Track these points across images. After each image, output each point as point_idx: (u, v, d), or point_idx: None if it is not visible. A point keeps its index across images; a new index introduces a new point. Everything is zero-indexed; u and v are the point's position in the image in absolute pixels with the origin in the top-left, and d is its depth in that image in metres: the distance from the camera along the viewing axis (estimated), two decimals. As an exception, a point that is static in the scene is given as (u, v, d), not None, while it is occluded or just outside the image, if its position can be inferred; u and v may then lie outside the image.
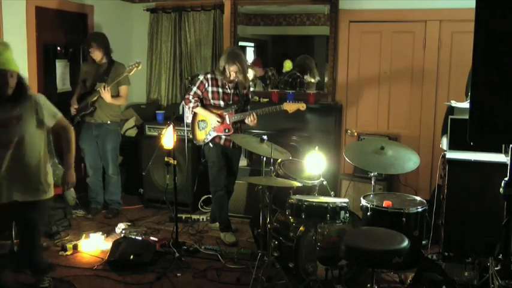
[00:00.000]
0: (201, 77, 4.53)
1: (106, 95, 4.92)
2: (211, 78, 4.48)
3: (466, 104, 4.04)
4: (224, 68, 4.39)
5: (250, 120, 4.46)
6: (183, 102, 4.61)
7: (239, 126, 4.63)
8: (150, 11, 6.31)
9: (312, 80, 5.97)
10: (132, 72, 4.97)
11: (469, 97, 3.46)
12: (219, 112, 4.51)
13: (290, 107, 4.49)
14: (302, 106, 4.50)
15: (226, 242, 4.51)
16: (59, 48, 5.72)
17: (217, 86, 4.49)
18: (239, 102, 4.54)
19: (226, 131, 4.49)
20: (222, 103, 4.50)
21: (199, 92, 4.49)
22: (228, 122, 4.49)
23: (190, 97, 4.48)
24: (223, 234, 4.60)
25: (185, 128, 4.87)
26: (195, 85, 4.51)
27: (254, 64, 6.31)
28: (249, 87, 4.71)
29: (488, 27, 2.25)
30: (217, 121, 4.47)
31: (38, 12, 5.18)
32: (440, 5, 5.08)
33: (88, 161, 5.23)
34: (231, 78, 4.40)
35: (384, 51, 5.39)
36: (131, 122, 6.07)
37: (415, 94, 5.33)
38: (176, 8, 6.15)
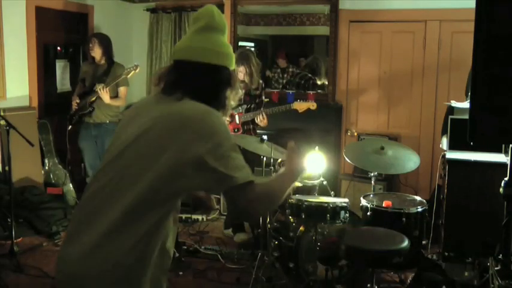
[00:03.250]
0: None
1: (105, 95, 4.91)
2: None
3: (466, 104, 4.04)
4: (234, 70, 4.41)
5: (260, 119, 4.44)
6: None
7: (252, 128, 4.57)
8: (150, 11, 6.31)
9: (319, 82, 6.00)
10: (130, 75, 4.97)
11: (469, 97, 3.46)
12: None
13: (300, 106, 4.46)
14: (312, 105, 4.46)
15: (236, 241, 4.51)
16: (59, 48, 5.73)
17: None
18: (250, 103, 4.52)
19: (236, 130, 4.47)
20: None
21: None
22: (237, 121, 4.47)
23: None
24: (235, 235, 4.59)
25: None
26: None
27: (279, 56, 6.34)
28: (263, 89, 4.63)
29: (489, 27, 2.25)
30: (226, 120, 4.46)
31: (38, 12, 5.18)
32: (440, 5, 5.08)
33: (87, 160, 5.23)
34: (240, 78, 4.42)
35: (384, 51, 5.39)
36: (131, 122, 6.07)
37: (415, 94, 5.33)
38: (176, 8, 6.15)
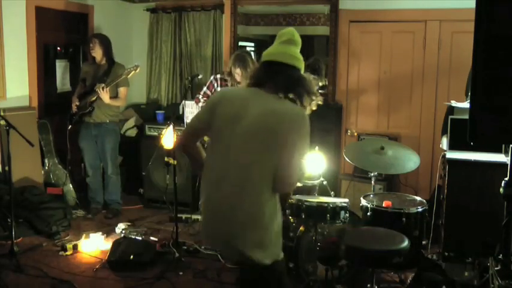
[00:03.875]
0: (211, 77, 4.58)
1: (105, 95, 4.91)
2: (221, 79, 4.53)
3: (466, 104, 4.04)
4: (230, 70, 4.45)
5: None
6: (183, 102, 4.63)
7: None
8: (150, 11, 6.31)
9: (321, 84, 5.99)
10: (130, 75, 4.97)
11: (469, 97, 3.46)
12: None
13: None
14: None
15: None
16: (59, 48, 5.73)
17: (226, 87, 4.52)
18: None
19: None
20: None
21: (208, 92, 4.54)
22: None
23: (200, 97, 4.53)
24: None
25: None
26: (205, 85, 4.57)
27: None
28: None
29: (489, 27, 2.25)
30: None
31: (38, 12, 5.18)
32: (440, 5, 5.08)
33: (87, 160, 5.23)
34: (237, 80, 4.44)
35: (384, 51, 5.39)
36: (131, 122, 6.07)
37: (415, 94, 5.33)
38: (176, 8, 6.15)
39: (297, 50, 2.37)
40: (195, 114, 2.57)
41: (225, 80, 4.51)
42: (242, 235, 2.17)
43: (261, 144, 2.17)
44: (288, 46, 2.34)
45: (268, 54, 2.37)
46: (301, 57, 2.37)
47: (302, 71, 2.37)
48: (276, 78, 2.29)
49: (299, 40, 2.40)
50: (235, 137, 2.21)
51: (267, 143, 2.16)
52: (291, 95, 2.31)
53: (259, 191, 2.17)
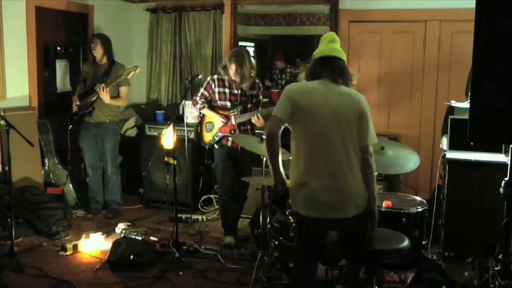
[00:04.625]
0: (208, 78, 4.51)
1: (105, 95, 4.91)
2: (218, 79, 4.42)
3: (466, 104, 4.04)
4: (226, 65, 4.34)
5: (256, 120, 4.38)
6: (183, 102, 4.59)
7: (249, 128, 4.50)
8: (150, 11, 6.31)
9: None
10: (129, 76, 4.96)
11: (469, 97, 3.46)
12: (225, 113, 4.47)
13: None
14: None
15: (222, 243, 4.49)
16: (59, 48, 5.73)
17: (224, 87, 4.43)
18: (246, 103, 4.47)
19: (232, 132, 4.43)
20: (228, 104, 4.45)
21: (206, 93, 4.46)
22: (233, 122, 4.43)
23: (198, 98, 4.47)
24: (224, 238, 4.56)
25: (185, 128, 4.87)
26: (202, 87, 4.51)
27: (276, 57, 6.31)
28: (260, 89, 4.55)
29: (489, 27, 2.25)
30: (222, 122, 4.43)
31: (38, 12, 5.18)
32: (440, 5, 5.08)
33: (87, 160, 5.23)
34: (232, 76, 4.34)
35: (384, 51, 5.39)
36: (131, 122, 6.07)
37: (415, 94, 5.33)
38: (176, 8, 6.15)
39: (339, 46, 2.97)
40: (276, 106, 2.87)
41: (223, 81, 4.43)
42: (350, 198, 2.71)
43: (348, 122, 2.73)
44: (332, 44, 2.96)
45: (319, 52, 2.97)
46: (342, 51, 2.95)
47: (346, 62, 2.94)
48: (329, 68, 2.85)
49: (338, 39, 3.03)
50: (325, 119, 2.73)
51: (352, 119, 2.73)
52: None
53: (355, 161, 2.74)
